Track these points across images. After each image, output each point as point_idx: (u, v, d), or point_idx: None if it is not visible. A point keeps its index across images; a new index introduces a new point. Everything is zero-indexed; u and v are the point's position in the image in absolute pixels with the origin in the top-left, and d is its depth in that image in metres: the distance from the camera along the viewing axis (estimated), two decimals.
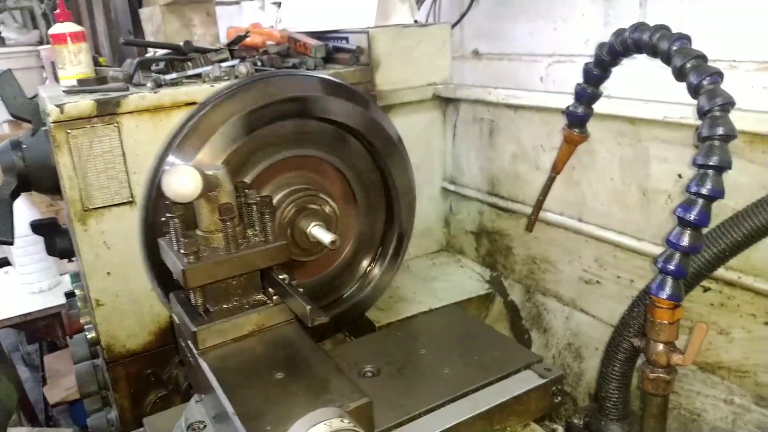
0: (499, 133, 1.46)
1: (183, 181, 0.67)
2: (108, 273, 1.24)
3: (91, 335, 1.32)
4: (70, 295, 1.57)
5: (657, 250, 1.15)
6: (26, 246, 2.29)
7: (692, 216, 0.71)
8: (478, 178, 1.56)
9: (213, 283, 0.84)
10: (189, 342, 0.84)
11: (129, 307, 1.27)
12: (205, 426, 0.83)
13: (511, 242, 1.51)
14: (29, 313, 2.18)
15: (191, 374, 0.90)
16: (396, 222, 1.22)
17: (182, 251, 0.80)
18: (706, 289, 1.06)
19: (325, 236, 0.98)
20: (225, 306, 0.86)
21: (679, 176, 1.10)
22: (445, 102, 1.59)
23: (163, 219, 0.86)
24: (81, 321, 1.38)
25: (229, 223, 0.81)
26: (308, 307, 0.77)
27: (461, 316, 1.18)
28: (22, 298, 2.29)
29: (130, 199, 1.21)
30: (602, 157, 1.24)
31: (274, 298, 0.86)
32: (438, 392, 0.92)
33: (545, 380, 0.94)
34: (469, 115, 1.53)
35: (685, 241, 0.71)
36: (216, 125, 1.02)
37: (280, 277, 0.86)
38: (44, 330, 2.25)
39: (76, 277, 1.61)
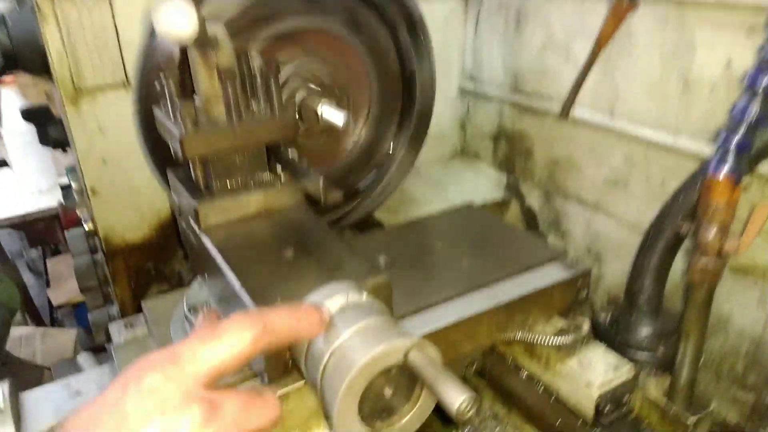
0: (527, 21, 1.33)
1: (176, 13, 0.57)
2: (103, 160, 1.16)
3: (87, 226, 1.27)
4: (65, 187, 1.50)
5: (694, 146, 1.07)
6: (24, 146, 2.21)
7: (765, 81, 0.61)
8: (501, 74, 1.45)
9: (214, 157, 0.76)
10: (190, 220, 0.77)
11: (126, 198, 1.20)
12: (209, 307, 0.77)
13: (532, 144, 1.42)
14: (28, 214, 2.13)
15: (193, 256, 0.83)
16: (415, 99, 1.11)
17: (179, 117, 0.72)
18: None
19: (336, 115, 0.89)
20: (228, 184, 0.78)
21: (728, 63, 0.99)
22: None
23: (156, 83, 0.77)
24: (77, 212, 1.32)
25: (230, 88, 0.72)
26: (321, 179, 0.69)
27: (478, 213, 1.11)
28: (21, 199, 2.24)
29: (125, 81, 1.11)
30: (641, 44, 1.12)
31: (282, 177, 0.79)
32: (456, 283, 0.86)
33: (571, 274, 0.88)
34: (494, 3, 1.40)
35: (754, 110, 0.63)
36: None
37: (289, 154, 0.78)
38: (44, 231, 2.22)
39: (72, 170, 1.53)
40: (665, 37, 1.08)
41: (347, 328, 0.53)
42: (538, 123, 1.38)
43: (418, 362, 0.50)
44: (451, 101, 1.59)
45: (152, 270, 1.27)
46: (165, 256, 1.26)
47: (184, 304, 0.79)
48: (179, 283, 1.26)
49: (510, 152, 1.49)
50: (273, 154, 0.79)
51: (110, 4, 1.05)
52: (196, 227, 0.75)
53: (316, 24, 0.99)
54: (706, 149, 1.05)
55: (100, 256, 1.36)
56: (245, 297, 0.62)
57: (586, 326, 0.85)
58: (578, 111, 1.25)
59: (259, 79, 0.76)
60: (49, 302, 2.66)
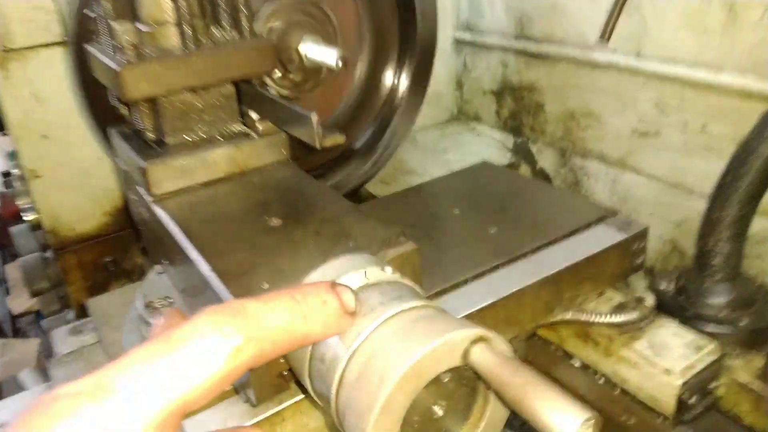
0: None
1: None
2: (44, 136, 0.97)
3: (31, 217, 1.06)
4: (6, 175, 1.30)
5: (740, 81, 0.91)
6: None
7: None
8: (503, 18, 1.27)
9: (167, 100, 0.57)
10: (138, 188, 0.59)
11: (74, 181, 1.01)
12: (171, 302, 0.59)
13: (542, 97, 1.25)
14: None
15: (147, 237, 0.65)
16: (415, 27, 0.92)
17: (117, 45, 0.53)
18: None
19: (327, 54, 0.71)
20: (187, 138, 0.59)
21: None
22: None
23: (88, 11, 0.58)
24: (18, 202, 1.11)
25: (183, 3, 0.54)
26: (314, 117, 0.51)
27: (498, 171, 0.94)
28: None
29: (65, 38, 0.91)
30: None
31: (259, 127, 0.60)
32: (485, 255, 0.69)
33: (626, 236, 0.71)
34: None
35: None
36: None
37: (269, 91, 0.60)
38: None
39: (12, 156, 1.32)
40: None
41: (374, 318, 0.35)
42: (549, 72, 1.21)
43: (490, 365, 0.32)
44: (445, 56, 1.41)
45: (110, 265, 1.07)
46: (124, 247, 1.07)
47: (139, 300, 0.60)
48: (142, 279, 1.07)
49: (516, 109, 1.32)
50: (245, 95, 0.61)
51: None
52: (146, 196, 0.57)
53: None
54: (756, 84, 0.89)
55: (51, 252, 1.16)
56: (216, 283, 0.44)
57: (650, 299, 0.68)
58: (598, 53, 1.09)
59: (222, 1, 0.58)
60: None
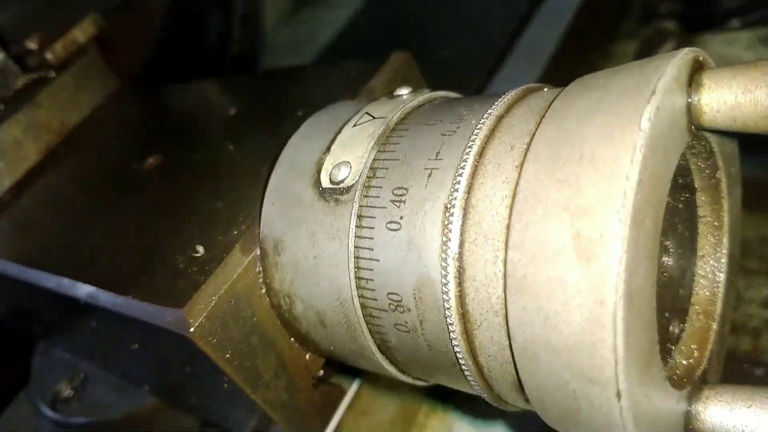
0: None
1: None
2: None
3: None
4: None
5: None
6: None
7: None
8: None
9: None
10: None
11: None
12: (85, 379, 0.36)
13: None
14: None
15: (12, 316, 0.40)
16: None
17: None
18: None
19: None
20: None
21: None
22: None
23: None
24: None
25: None
26: None
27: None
28: None
29: None
30: None
31: (49, 56, 0.36)
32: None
33: None
34: None
35: None
36: None
37: None
38: None
39: None
40: None
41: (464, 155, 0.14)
42: None
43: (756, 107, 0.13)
44: None
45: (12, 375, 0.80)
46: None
47: (41, 403, 0.37)
48: None
49: None
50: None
51: None
52: None
53: None
54: None
55: None
56: (113, 300, 0.22)
57: (668, 23, 0.52)
58: None
59: None
60: None
